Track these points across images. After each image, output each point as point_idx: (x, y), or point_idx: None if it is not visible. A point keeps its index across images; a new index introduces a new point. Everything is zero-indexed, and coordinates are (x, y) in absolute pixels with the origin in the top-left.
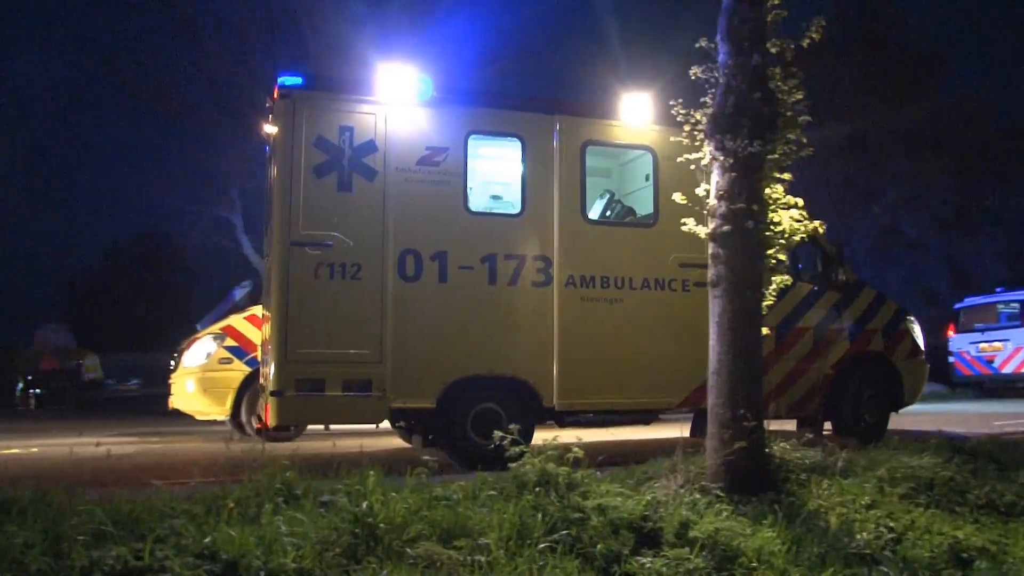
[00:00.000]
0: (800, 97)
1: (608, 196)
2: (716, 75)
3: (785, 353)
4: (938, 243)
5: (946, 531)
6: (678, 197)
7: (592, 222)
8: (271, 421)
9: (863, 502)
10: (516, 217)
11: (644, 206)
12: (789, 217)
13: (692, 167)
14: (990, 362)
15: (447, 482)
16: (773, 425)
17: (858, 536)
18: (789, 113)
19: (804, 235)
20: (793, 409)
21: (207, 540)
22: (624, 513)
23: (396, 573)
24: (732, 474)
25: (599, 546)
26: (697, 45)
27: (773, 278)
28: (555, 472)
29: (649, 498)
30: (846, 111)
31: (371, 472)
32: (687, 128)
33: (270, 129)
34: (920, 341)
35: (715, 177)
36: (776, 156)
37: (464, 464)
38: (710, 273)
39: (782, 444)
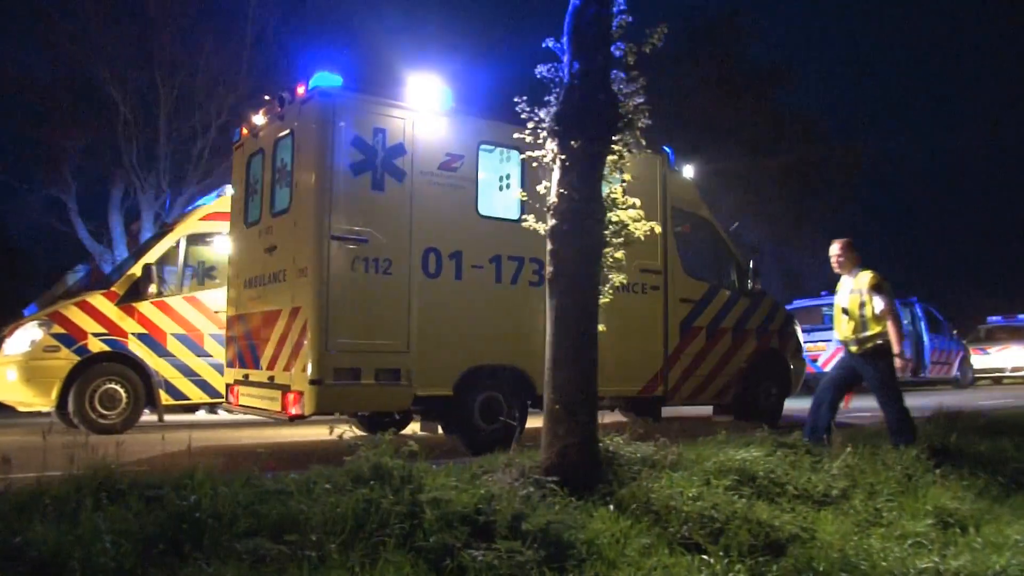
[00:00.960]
0: (642, 101)
1: None
2: (561, 75)
3: (711, 350)
4: (773, 247)
5: (765, 520)
6: (520, 194)
7: None
8: (307, 410)
9: (690, 494)
10: (516, 222)
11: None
12: (627, 216)
13: (535, 164)
14: (814, 361)
15: (280, 475)
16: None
17: (684, 527)
18: (631, 116)
19: (641, 234)
20: (717, 397)
21: (17, 539)
22: (458, 506)
23: (223, 569)
24: (565, 468)
25: (432, 539)
26: (544, 45)
27: (610, 276)
28: (390, 465)
29: (483, 492)
30: (690, 118)
31: (199, 465)
32: (531, 126)
33: (261, 120)
34: (802, 341)
35: (556, 175)
36: (615, 157)
37: (472, 449)
38: (548, 270)
39: (616, 438)
